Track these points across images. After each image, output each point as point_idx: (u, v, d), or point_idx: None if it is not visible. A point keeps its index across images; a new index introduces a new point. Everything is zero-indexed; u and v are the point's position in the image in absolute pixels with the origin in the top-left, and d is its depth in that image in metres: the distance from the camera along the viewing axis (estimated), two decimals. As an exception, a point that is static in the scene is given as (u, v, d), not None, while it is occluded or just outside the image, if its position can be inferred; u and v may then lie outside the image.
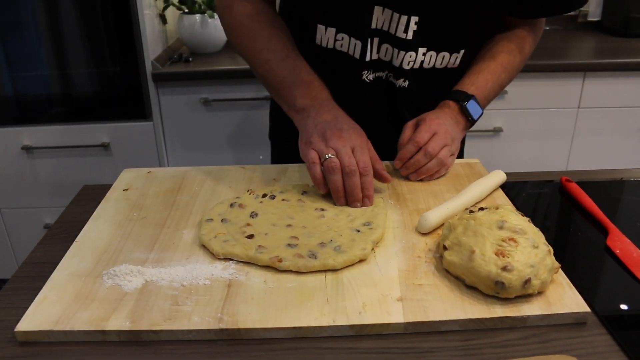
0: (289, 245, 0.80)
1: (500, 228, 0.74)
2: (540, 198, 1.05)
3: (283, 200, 0.93)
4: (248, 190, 0.97)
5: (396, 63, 1.08)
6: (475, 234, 0.74)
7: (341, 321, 0.67)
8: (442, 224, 0.86)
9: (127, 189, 1.02)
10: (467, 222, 0.77)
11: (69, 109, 2.07)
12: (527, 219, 0.78)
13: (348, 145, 0.91)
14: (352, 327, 0.67)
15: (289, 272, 0.76)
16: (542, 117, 2.23)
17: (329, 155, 0.90)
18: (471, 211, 0.82)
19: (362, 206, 0.90)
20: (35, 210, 2.18)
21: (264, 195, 0.94)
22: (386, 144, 1.17)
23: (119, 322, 0.68)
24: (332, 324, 0.67)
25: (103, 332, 0.67)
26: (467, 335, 0.68)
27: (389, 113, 1.18)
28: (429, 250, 0.82)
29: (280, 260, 0.76)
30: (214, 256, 0.80)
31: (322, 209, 0.89)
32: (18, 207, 2.19)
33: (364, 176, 0.90)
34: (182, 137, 2.14)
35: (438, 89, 1.13)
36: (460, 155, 1.20)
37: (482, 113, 1.09)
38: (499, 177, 1.00)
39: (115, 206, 0.96)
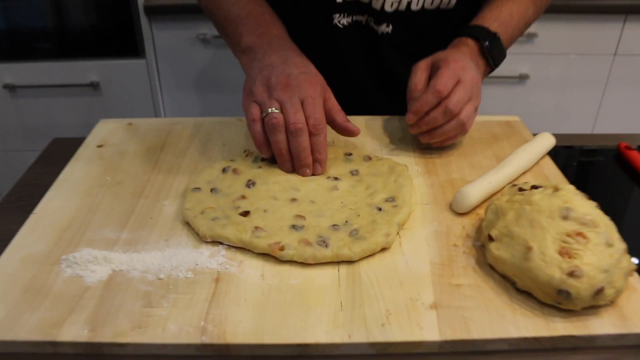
0: (294, 227, 0.64)
1: (565, 218, 0.57)
2: (592, 169, 0.88)
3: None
4: (245, 151, 0.80)
5: (376, 5, 0.89)
6: (531, 224, 0.58)
7: (359, 336, 0.52)
8: (483, 202, 0.70)
9: (101, 145, 0.86)
10: (521, 207, 0.60)
11: (55, 45, 1.87)
12: (595, 204, 0.61)
13: (296, 97, 0.72)
14: (372, 345, 0.52)
15: (292, 263, 0.61)
16: (572, 64, 2.02)
17: (271, 109, 0.72)
18: (521, 189, 0.65)
19: (312, 173, 0.74)
20: (18, 154, 2.03)
21: (264, 159, 0.77)
22: (378, 102, 0.99)
23: (75, 330, 0.53)
24: (347, 340, 0.52)
25: (54, 343, 0.52)
26: (518, 358, 0.53)
27: (375, 65, 0.98)
28: (467, 236, 0.66)
29: (282, 249, 0.61)
30: (200, 238, 0.64)
31: (336, 178, 0.73)
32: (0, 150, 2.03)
33: (314, 136, 0.72)
34: (178, 78, 1.95)
35: (430, 36, 0.93)
36: None
37: (505, 56, 0.89)
38: (548, 142, 0.83)
39: (86, 167, 0.80)
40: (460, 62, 0.79)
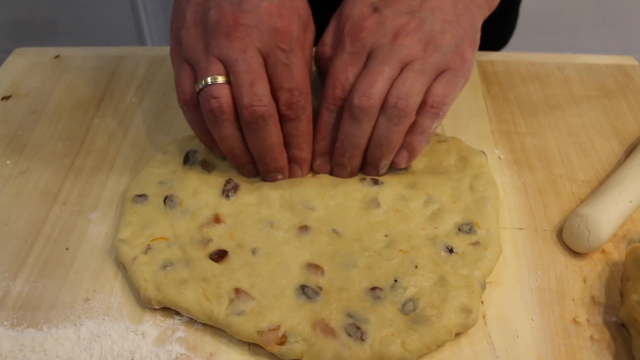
0: (303, 291, 0.37)
1: None
2: None
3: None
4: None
5: None
6: None
7: None
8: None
9: (9, 96, 0.56)
10: None
11: None
12: None
13: (252, 48, 0.40)
14: None
15: (300, 365, 0.35)
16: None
17: (207, 79, 0.40)
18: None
19: (290, 177, 0.44)
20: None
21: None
22: None
23: None
24: None
25: None
26: None
27: None
28: (592, 300, 0.39)
29: (282, 341, 0.34)
30: (143, 300, 0.38)
31: (376, 182, 0.44)
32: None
33: (291, 121, 0.42)
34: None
35: None
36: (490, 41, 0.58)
37: None
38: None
39: (-25, 139, 0.51)
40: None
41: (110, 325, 0.37)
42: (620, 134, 0.52)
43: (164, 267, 0.38)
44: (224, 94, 0.39)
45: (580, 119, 0.54)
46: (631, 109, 0.55)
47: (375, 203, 0.42)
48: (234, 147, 0.42)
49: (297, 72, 0.40)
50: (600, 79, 0.59)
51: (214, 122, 0.40)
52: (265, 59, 0.40)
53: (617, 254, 0.42)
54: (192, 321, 0.37)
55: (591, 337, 0.37)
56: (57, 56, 0.62)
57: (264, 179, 0.44)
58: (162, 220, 0.41)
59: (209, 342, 0.36)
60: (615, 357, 0.36)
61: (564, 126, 0.53)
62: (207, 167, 0.45)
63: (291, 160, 0.44)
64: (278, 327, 0.35)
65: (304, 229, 0.40)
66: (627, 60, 0.62)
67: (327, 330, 0.35)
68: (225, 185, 0.43)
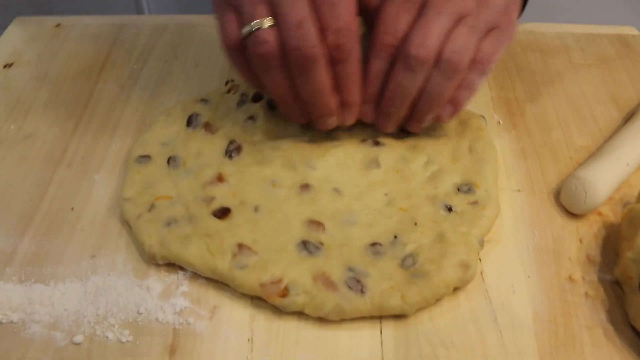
0: (304, 247, 0.38)
1: None
2: None
3: (294, 113, 0.47)
4: (227, 82, 0.51)
5: None
6: None
7: None
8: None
9: (11, 64, 0.56)
10: None
11: None
12: None
13: None
14: None
15: (302, 317, 0.36)
16: None
17: (256, 23, 0.38)
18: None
19: (340, 123, 0.44)
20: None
21: (257, 98, 0.48)
22: None
23: None
24: None
25: None
26: None
27: None
28: (588, 259, 0.40)
29: (284, 293, 0.35)
30: (147, 257, 0.39)
31: (376, 142, 0.45)
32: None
33: (340, 63, 0.40)
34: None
35: None
36: None
37: None
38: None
39: (-21, 104, 0.51)
40: None
41: (115, 280, 0.38)
42: (619, 101, 0.53)
43: (168, 224, 0.39)
44: (272, 39, 0.38)
45: (580, 87, 0.54)
46: (631, 78, 0.56)
47: (375, 163, 0.43)
48: (284, 93, 0.41)
49: (344, 12, 0.38)
50: (600, 49, 0.59)
51: (263, 68, 0.39)
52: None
53: (614, 216, 0.43)
54: (195, 276, 0.38)
55: (586, 294, 0.38)
56: (57, 25, 0.62)
57: (316, 125, 0.43)
58: (166, 180, 0.42)
59: (212, 296, 0.37)
60: (609, 312, 0.37)
61: (563, 94, 0.53)
62: (210, 129, 0.46)
63: (341, 104, 0.42)
64: (280, 280, 0.36)
65: (305, 187, 0.41)
66: (627, 30, 0.62)
67: (328, 283, 0.35)
68: (228, 146, 0.44)
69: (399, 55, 0.40)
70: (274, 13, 0.38)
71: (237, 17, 0.40)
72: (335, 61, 0.40)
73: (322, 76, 0.39)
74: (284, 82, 0.40)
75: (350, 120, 0.43)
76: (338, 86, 0.41)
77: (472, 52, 0.40)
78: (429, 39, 0.39)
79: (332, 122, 0.43)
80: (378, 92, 0.42)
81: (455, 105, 0.42)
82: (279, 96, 0.42)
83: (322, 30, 0.38)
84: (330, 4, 0.38)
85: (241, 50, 0.40)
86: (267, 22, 0.38)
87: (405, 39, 0.40)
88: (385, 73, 0.42)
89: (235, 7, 0.40)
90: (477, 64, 0.41)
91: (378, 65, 0.42)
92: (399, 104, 0.42)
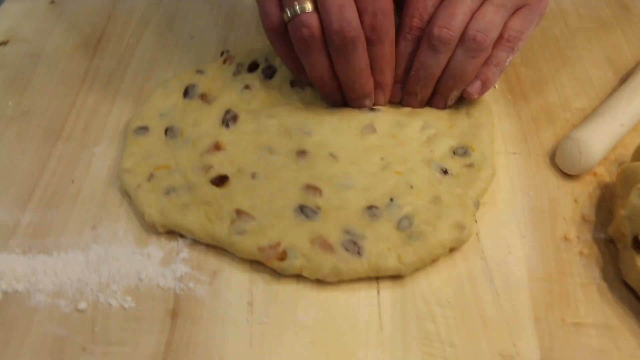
0: (302, 211, 0.38)
1: None
2: None
3: (291, 82, 0.47)
4: (222, 53, 0.51)
5: None
6: None
7: None
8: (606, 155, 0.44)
9: (5, 41, 0.56)
10: None
11: None
12: None
13: None
14: None
15: (301, 280, 0.37)
16: None
17: (298, 6, 0.39)
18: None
19: (374, 104, 0.45)
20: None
21: (253, 68, 0.49)
22: None
23: None
24: None
25: None
26: None
27: None
28: (583, 219, 0.40)
29: (282, 256, 0.36)
30: (147, 226, 0.39)
31: (372, 108, 0.45)
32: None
33: (376, 45, 0.41)
34: None
35: None
36: None
37: None
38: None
39: (-23, 81, 0.52)
40: None
41: (117, 249, 0.38)
42: (616, 64, 0.52)
43: (167, 192, 0.39)
44: (314, 22, 0.39)
45: (576, 50, 0.54)
46: (628, 40, 0.55)
47: (371, 128, 0.43)
48: (323, 74, 0.42)
49: None
50: (597, 11, 0.59)
51: (304, 50, 0.40)
52: None
53: (609, 176, 0.43)
54: (195, 243, 0.39)
55: (580, 252, 0.38)
56: (52, 1, 0.62)
57: (352, 105, 0.44)
58: (164, 150, 0.42)
59: (212, 262, 0.38)
60: (603, 270, 0.37)
61: (558, 57, 0.53)
62: (206, 99, 0.46)
63: (374, 85, 0.44)
64: (278, 244, 0.36)
65: (301, 153, 0.41)
66: (623, -9, 0.62)
67: (326, 246, 0.36)
68: (224, 115, 0.44)
69: (423, 37, 0.42)
70: None
71: (279, 1, 0.41)
72: (371, 42, 0.41)
73: (362, 58, 0.41)
74: (324, 64, 0.41)
75: (383, 101, 0.45)
76: (372, 67, 0.42)
77: (498, 29, 0.41)
78: (452, 19, 0.40)
79: (369, 103, 0.44)
80: (404, 72, 0.44)
81: (485, 81, 0.43)
82: (318, 77, 0.43)
83: (360, 13, 0.40)
84: None
85: (282, 33, 0.41)
86: (309, 6, 0.39)
87: (431, 20, 0.41)
88: (411, 54, 0.43)
89: None
90: (505, 42, 0.42)
91: (404, 47, 0.43)
92: (424, 83, 0.43)
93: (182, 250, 0.38)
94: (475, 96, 0.43)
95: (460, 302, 0.36)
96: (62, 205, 0.41)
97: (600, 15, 0.58)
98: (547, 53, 0.54)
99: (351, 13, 0.39)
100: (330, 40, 0.39)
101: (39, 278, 0.37)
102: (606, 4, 0.60)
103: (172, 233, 0.39)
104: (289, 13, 0.39)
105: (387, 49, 0.42)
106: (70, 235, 0.39)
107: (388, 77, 0.43)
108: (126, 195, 0.41)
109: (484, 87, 0.43)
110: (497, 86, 0.50)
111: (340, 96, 0.44)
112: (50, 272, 0.37)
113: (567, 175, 0.43)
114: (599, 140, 0.42)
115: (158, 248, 0.38)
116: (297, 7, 0.39)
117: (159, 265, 0.37)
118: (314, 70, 0.42)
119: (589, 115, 0.46)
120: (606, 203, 0.41)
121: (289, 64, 0.44)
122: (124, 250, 0.38)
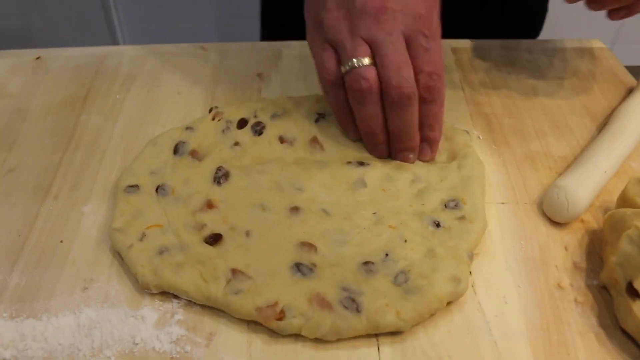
0: (298, 268, 0.38)
1: None
2: None
3: (281, 137, 0.48)
4: (211, 109, 0.52)
5: None
6: None
7: None
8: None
9: (-9, 98, 0.56)
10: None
11: None
12: None
13: (398, 32, 0.42)
14: None
15: (300, 339, 0.36)
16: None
17: (356, 60, 0.42)
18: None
19: (420, 159, 0.46)
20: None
21: (242, 124, 0.49)
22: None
23: None
24: None
25: None
26: None
27: None
28: (574, 266, 0.41)
29: (280, 316, 0.35)
30: (140, 286, 0.38)
31: (361, 163, 0.46)
32: None
33: (428, 103, 0.44)
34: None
35: None
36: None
37: None
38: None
39: (-39, 139, 0.51)
40: None
41: (109, 311, 0.37)
42: (592, 111, 0.55)
43: (160, 252, 0.39)
44: (372, 75, 0.42)
45: (553, 99, 0.56)
46: (601, 89, 0.58)
47: (361, 183, 0.43)
48: (375, 126, 0.44)
49: (436, 57, 0.43)
50: (570, 62, 0.61)
51: (361, 101, 0.42)
52: (407, 42, 0.42)
53: (596, 222, 0.44)
54: (190, 303, 0.38)
55: (575, 300, 0.39)
56: (38, 57, 0.62)
57: (396, 158, 0.46)
58: (155, 208, 0.42)
59: (208, 323, 0.37)
60: (599, 317, 0.38)
61: (538, 106, 0.55)
62: (197, 156, 0.46)
63: (422, 140, 0.45)
64: (276, 304, 0.36)
65: (294, 209, 0.42)
66: (594, 44, 0.65)
67: (324, 304, 0.36)
68: (216, 173, 0.44)
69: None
70: (374, 53, 0.42)
71: (336, 54, 0.43)
72: (424, 101, 0.43)
73: (414, 113, 0.44)
74: (378, 115, 0.44)
75: (429, 156, 0.46)
76: (422, 123, 0.45)
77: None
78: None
79: (412, 158, 0.46)
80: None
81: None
82: (369, 129, 0.45)
83: (416, 72, 0.42)
84: (424, 50, 0.42)
85: (338, 86, 0.44)
86: (367, 60, 0.42)
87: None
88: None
89: (335, 45, 0.43)
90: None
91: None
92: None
93: (177, 311, 0.37)
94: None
95: (461, 355, 0.35)
96: (51, 266, 0.40)
97: (573, 66, 0.61)
98: (527, 102, 0.56)
99: (409, 72, 0.42)
100: (388, 94, 0.42)
101: (28, 344, 0.36)
102: (577, 54, 0.62)
103: (166, 294, 0.38)
104: (347, 66, 0.42)
105: (437, 108, 0.44)
106: (60, 298, 0.38)
107: (437, 133, 0.46)
108: (117, 255, 0.41)
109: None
110: (481, 137, 0.51)
111: (386, 149, 0.46)
112: (40, 337, 0.36)
113: (556, 223, 0.44)
114: (584, 187, 0.43)
115: (152, 310, 0.38)
116: (356, 62, 0.42)
117: (153, 328, 0.37)
118: (365, 121, 0.44)
119: (572, 163, 0.47)
120: (595, 249, 0.42)
121: (340, 117, 0.46)
122: (116, 313, 0.37)
